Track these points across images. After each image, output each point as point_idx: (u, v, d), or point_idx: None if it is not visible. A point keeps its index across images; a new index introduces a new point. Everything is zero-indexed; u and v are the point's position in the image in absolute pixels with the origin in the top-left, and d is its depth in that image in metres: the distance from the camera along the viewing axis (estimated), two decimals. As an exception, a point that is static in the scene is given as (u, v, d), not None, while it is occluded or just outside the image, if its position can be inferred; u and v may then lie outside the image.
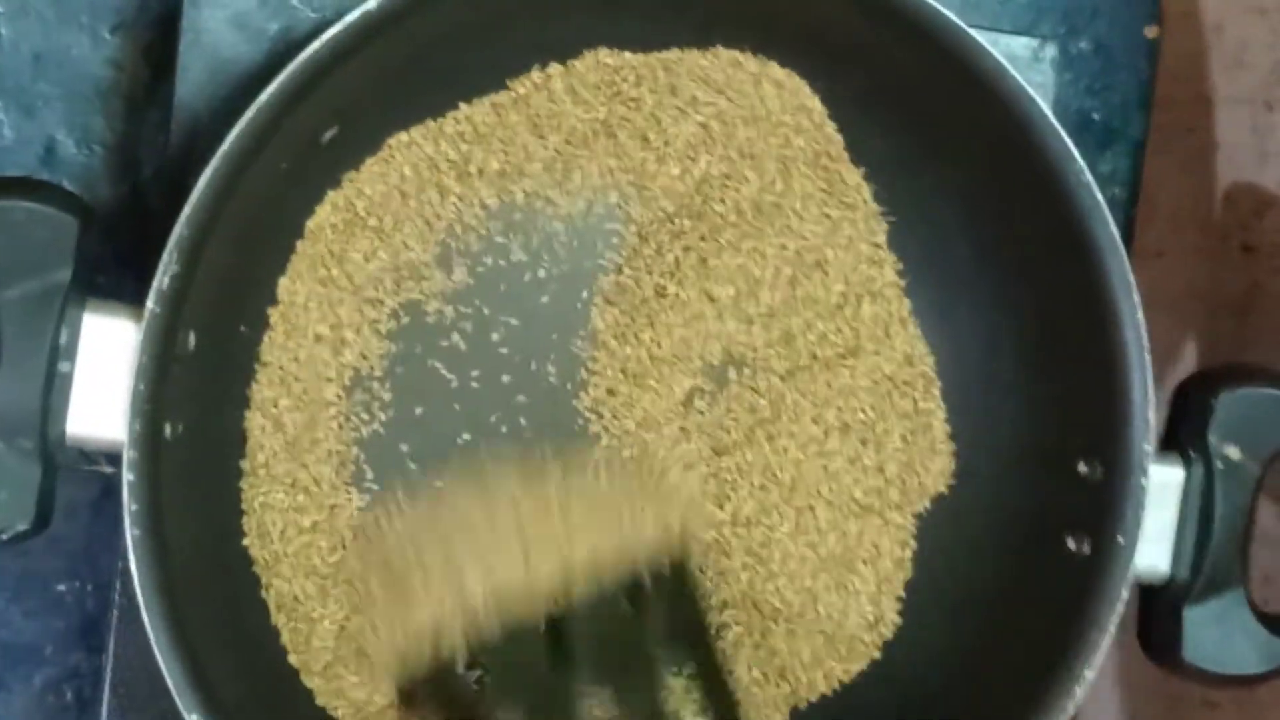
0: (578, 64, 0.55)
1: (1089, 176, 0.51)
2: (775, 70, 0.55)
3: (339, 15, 0.48)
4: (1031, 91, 0.51)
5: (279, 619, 0.53)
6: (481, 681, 0.53)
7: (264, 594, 0.53)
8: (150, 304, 0.47)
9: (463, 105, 0.54)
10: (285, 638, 0.53)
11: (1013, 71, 0.51)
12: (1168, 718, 0.78)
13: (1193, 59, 0.76)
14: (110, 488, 0.59)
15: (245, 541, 0.53)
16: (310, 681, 0.54)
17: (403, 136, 0.54)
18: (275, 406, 0.53)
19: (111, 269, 0.56)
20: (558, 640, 0.52)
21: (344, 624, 0.54)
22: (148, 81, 0.57)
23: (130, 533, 0.47)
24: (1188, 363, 0.77)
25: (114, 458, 0.56)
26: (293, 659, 0.53)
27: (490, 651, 0.51)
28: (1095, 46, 0.63)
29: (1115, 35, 0.63)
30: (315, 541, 0.54)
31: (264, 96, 0.47)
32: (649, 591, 0.53)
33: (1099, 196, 0.51)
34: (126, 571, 0.51)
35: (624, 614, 0.53)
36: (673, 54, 0.55)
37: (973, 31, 0.51)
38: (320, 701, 0.53)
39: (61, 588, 0.59)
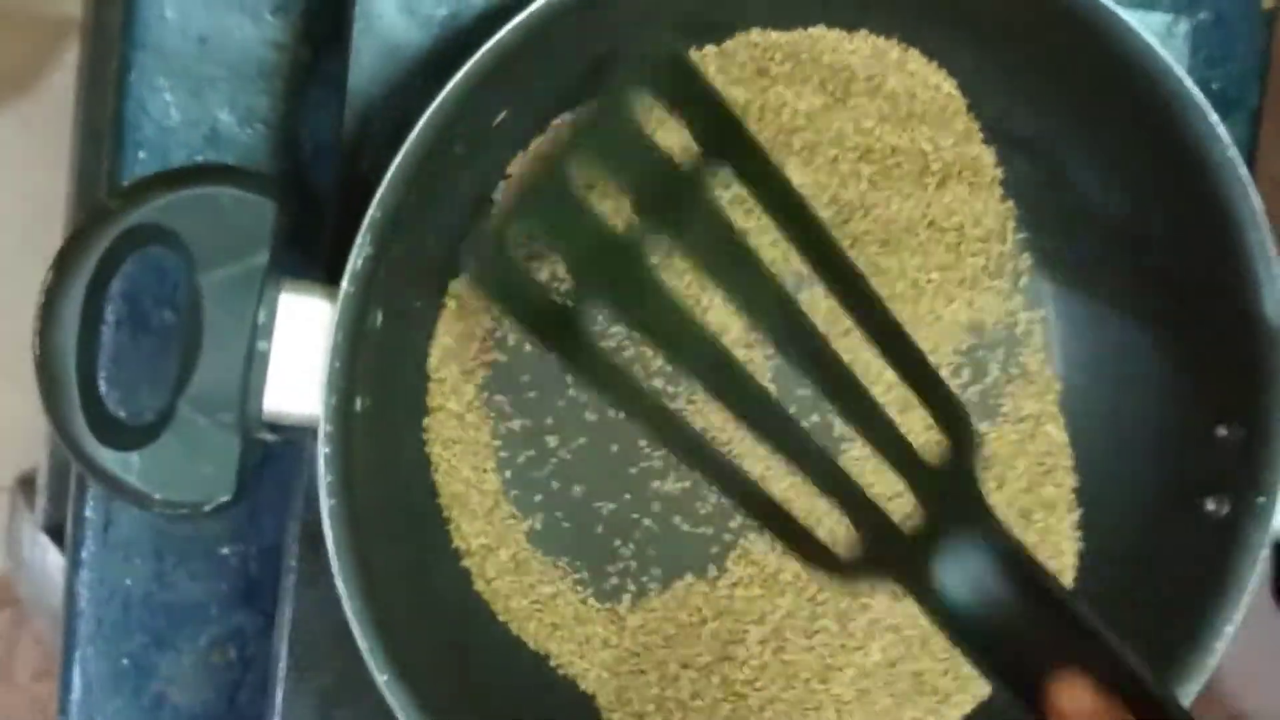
0: (730, 43, 0.57)
1: (1234, 152, 0.53)
2: (914, 61, 0.57)
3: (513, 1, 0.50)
4: (1179, 70, 0.53)
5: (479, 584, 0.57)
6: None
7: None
8: (345, 284, 0.49)
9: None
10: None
11: (1160, 50, 0.53)
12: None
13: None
14: (271, 455, 0.61)
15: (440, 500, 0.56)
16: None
17: (566, 117, 0.56)
18: (451, 377, 0.55)
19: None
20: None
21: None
22: (308, 61, 0.59)
23: (326, 503, 0.49)
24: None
25: (275, 426, 0.58)
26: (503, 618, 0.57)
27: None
28: (1215, 18, 0.64)
29: (1233, 6, 0.65)
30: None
31: (453, 83, 0.49)
32: None
33: (1242, 172, 0.53)
34: (304, 536, 0.54)
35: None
36: (818, 30, 0.57)
37: (1121, 11, 0.53)
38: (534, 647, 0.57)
39: (225, 551, 0.62)
